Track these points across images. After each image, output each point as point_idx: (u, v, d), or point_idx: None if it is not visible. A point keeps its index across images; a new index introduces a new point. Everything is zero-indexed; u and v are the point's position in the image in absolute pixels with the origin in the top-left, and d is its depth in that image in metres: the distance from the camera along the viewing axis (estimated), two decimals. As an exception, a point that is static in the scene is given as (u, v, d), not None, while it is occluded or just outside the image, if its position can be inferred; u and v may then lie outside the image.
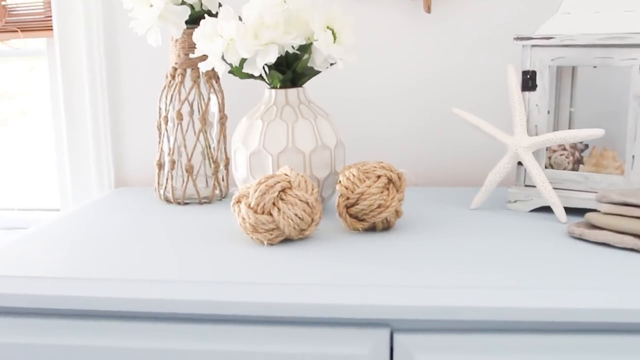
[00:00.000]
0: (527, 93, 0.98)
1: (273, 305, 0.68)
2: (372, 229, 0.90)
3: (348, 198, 0.87)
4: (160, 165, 1.10)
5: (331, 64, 0.96)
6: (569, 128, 1.07)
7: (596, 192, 0.93)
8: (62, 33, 1.24)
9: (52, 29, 1.27)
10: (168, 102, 1.07)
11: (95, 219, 1.01)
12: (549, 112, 0.98)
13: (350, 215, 0.88)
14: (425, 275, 0.73)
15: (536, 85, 0.97)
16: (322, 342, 0.69)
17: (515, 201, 1.00)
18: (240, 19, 0.91)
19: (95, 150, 1.26)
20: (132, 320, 0.72)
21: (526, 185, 1.00)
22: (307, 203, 0.83)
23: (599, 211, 0.85)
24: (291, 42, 0.90)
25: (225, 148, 1.11)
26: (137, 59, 1.26)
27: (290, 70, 0.94)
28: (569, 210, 0.94)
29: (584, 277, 0.71)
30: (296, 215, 0.82)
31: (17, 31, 1.30)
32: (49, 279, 0.75)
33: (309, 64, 0.94)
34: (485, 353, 0.67)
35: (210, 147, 1.09)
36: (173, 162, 1.08)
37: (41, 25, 1.31)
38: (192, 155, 1.07)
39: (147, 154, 1.27)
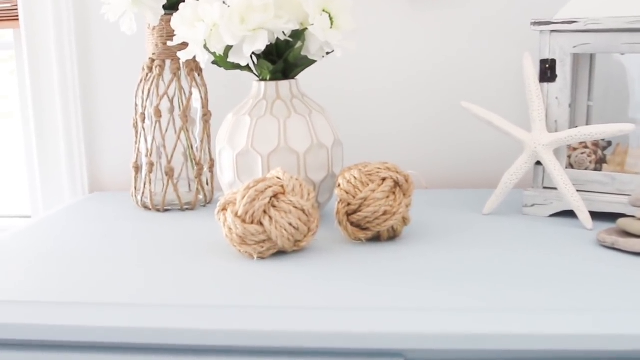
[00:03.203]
0: (545, 84, 0.89)
1: (264, 333, 0.58)
2: (377, 238, 0.80)
3: (349, 204, 0.77)
4: (137, 168, 0.99)
5: (328, 53, 0.85)
6: (587, 124, 0.97)
7: (625, 195, 0.84)
8: (28, 23, 1.13)
9: (17, 19, 1.16)
10: (145, 97, 0.96)
11: (61, 229, 0.90)
12: (570, 106, 0.89)
13: (352, 224, 0.78)
14: (441, 296, 0.62)
15: (556, 76, 0.88)
16: (323, 376, 0.58)
17: (532, 205, 0.90)
18: (224, 1, 0.81)
19: (67, 151, 1.15)
20: (88, 351, 0.61)
21: (545, 188, 0.91)
22: (303, 210, 0.73)
23: (633, 216, 0.76)
24: (282, 28, 0.80)
25: (209, 148, 1.00)
26: (112, 51, 1.15)
27: (282, 59, 0.84)
28: (593, 215, 0.85)
29: (627, 294, 0.61)
30: (290, 224, 0.72)
31: (-20, 22, 1.19)
32: None
33: (303, 53, 0.84)
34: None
35: (192, 148, 0.98)
36: (151, 165, 0.97)
37: (7, 16, 1.19)
38: (172, 156, 0.96)
39: (125, 155, 1.16)
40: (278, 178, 0.75)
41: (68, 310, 0.62)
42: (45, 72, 1.14)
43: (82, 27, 1.14)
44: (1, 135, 1.39)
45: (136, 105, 0.98)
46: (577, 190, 0.86)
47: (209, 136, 1.00)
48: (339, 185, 0.78)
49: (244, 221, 0.72)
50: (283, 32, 0.81)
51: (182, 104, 0.96)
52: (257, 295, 0.64)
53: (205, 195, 1.00)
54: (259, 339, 0.58)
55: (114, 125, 1.17)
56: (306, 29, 0.82)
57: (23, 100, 1.23)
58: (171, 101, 0.97)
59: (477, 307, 0.60)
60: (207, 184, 1.01)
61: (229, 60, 0.81)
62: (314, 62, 0.87)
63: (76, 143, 1.16)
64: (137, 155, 0.99)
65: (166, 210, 0.98)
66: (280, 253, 0.75)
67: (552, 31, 0.87)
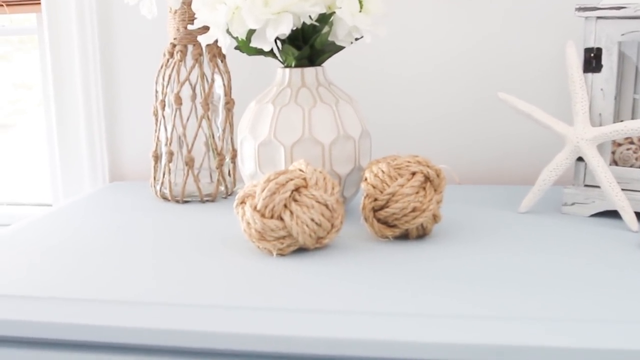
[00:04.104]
0: (590, 75, 0.83)
1: (277, 339, 0.53)
2: (405, 236, 0.75)
3: (376, 199, 0.72)
4: (157, 158, 0.96)
5: (356, 39, 0.80)
6: (633, 118, 0.91)
7: (676, 195, 0.78)
8: (50, 8, 1.10)
9: (40, 3, 1.13)
10: (165, 84, 0.92)
11: (77, 219, 0.86)
12: (615, 98, 0.83)
13: (379, 221, 0.73)
14: (473, 304, 0.57)
15: (601, 66, 0.82)
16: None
17: (572, 204, 0.84)
18: (248, -17, 0.76)
19: (88, 139, 1.12)
20: (88, 350, 0.57)
21: (586, 185, 0.85)
22: (326, 205, 0.68)
23: (684, 219, 0.70)
24: (309, 11, 0.75)
25: (231, 138, 0.96)
26: (135, 36, 1.11)
27: (308, 45, 0.80)
28: (639, 216, 0.79)
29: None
30: (312, 220, 0.67)
31: (2, 5, 1.17)
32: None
33: (330, 38, 0.80)
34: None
35: (214, 137, 0.94)
36: (171, 154, 0.93)
37: (29, 0, 1.17)
38: (192, 145, 0.92)
39: (146, 144, 1.13)
40: (300, 170, 0.70)
41: (69, 308, 0.58)
42: (66, 59, 1.11)
43: (104, 12, 1.11)
44: (23, 123, 1.37)
45: (156, 92, 0.94)
46: (622, 189, 0.81)
47: (231, 125, 0.96)
48: (366, 179, 0.74)
49: (263, 215, 0.67)
50: (309, 16, 0.77)
51: (204, 91, 0.92)
52: (272, 297, 0.59)
53: (226, 187, 0.96)
54: (272, 344, 0.53)
55: (136, 113, 1.14)
56: (334, 12, 0.77)
57: (45, 86, 1.21)
58: (193, 88, 0.93)
59: (512, 316, 0.54)
60: (229, 175, 0.97)
61: (251, 45, 0.77)
62: (341, 48, 0.82)
63: (97, 131, 1.13)
64: (157, 144, 0.95)
65: (186, 202, 0.94)
66: (301, 250, 0.71)
67: (598, 17, 0.81)
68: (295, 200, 0.68)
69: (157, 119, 0.95)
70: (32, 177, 1.36)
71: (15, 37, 1.33)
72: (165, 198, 0.95)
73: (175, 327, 0.55)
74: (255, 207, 0.68)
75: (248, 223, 0.69)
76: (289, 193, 0.67)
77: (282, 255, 0.69)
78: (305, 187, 0.68)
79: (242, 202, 0.70)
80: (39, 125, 1.33)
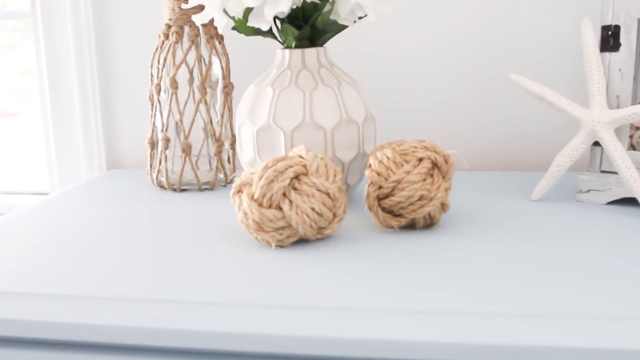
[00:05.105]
0: (607, 54, 0.79)
1: (273, 338, 0.50)
2: (411, 226, 0.71)
3: (381, 187, 0.68)
4: (153, 144, 0.92)
5: (360, 17, 0.76)
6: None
7: (698, 181, 0.73)
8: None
9: (32, -16, 1.09)
10: (161, 67, 0.88)
11: (71, 209, 0.83)
12: (635, 79, 0.78)
13: (384, 210, 0.69)
14: (485, 299, 0.54)
15: (619, 45, 0.78)
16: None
17: (588, 191, 0.80)
18: (244, -42, 0.72)
19: (84, 126, 1.09)
20: (77, 350, 0.54)
21: (603, 171, 0.81)
22: (328, 194, 0.64)
23: None
24: (309, -12, 0.71)
25: (230, 123, 0.92)
26: (132, 19, 1.07)
27: (308, 24, 0.76)
28: (659, 204, 0.75)
29: None
30: (313, 209, 0.64)
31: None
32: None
33: (332, 17, 0.75)
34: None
35: (212, 122, 0.90)
36: (167, 141, 0.89)
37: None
38: (189, 131, 0.88)
39: (144, 130, 1.09)
40: (300, 157, 0.66)
41: (57, 304, 0.55)
42: (60, 43, 1.07)
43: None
44: (13, 113, 1.34)
45: (152, 75, 0.90)
46: (641, 175, 0.76)
47: (230, 110, 0.92)
48: (370, 166, 0.70)
49: (260, 205, 0.63)
50: (309, -7, 0.72)
51: (202, 75, 0.88)
52: (270, 292, 0.56)
53: (225, 174, 0.92)
54: (269, 344, 0.50)
55: (133, 98, 1.10)
56: (335, -11, 0.73)
57: (40, 72, 1.17)
58: (190, 72, 0.89)
59: (525, 313, 0.51)
60: (229, 162, 0.93)
61: (248, 24, 0.73)
62: (344, 27, 0.78)
63: (93, 117, 1.09)
64: (153, 131, 0.92)
65: (183, 190, 0.91)
66: (302, 241, 0.67)
67: (617, -7, 0.76)
68: (295, 189, 0.64)
69: (152, 104, 0.91)
70: (31, 165, 1.33)
71: (23, 24, 1.29)
72: (162, 186, 0.92)
73: (168, 326, 0.51)
74: (253, 196, 0.64)
75: (245, 213, 0.65)
76: (288, 181, 0.63)
77: (281, 246, 0.66)
78: (306, 174, 0.65)
79: (239, 191, 0.66)
80: (27, 112, 1.30)
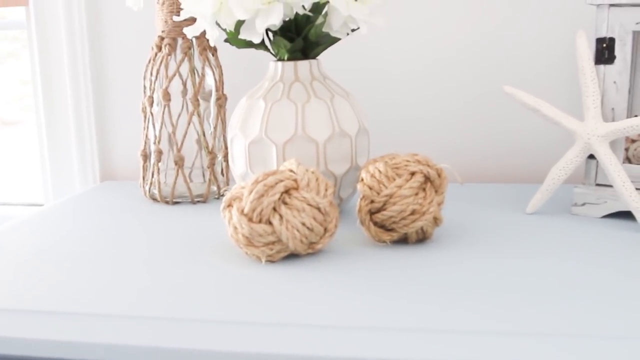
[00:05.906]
0: (602, 67, 0.78)
1: (270, 357, 0.49)
2: (404, 240, 0.70)
3: (372, 201, 0.67)
4: (146, 157, 0.91)
5: (353, 30, 0.76)
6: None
7: (694, 195, 0.73)
8: (37, 1, 1.06)
9: (27, -4, 1.09)
10: (153, 79, 0.88)
11: (63, 222, 0.82)
12: (629, 92, 0.78)
13: (375, 224, 0.69)
14: (478, 315, 0.53)
15: (614, 57, 0.77)
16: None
17: (583, 204, 0.80)
18: (236, -30, 0.72)
19: (78, 138, 1.08)
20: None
21: (598, 185, 0.80)
22: (319, 208, 0.64)
23: None
24: (301, 0, 0.70)
25: (224, 135, 0.92)
26: (126, 31, 1.07)
27: (301, 37, 0.75)
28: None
29: None
30: (304, 224, 0.63)
31: (-11, -2, 1.12)
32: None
33: (324, 29, 0.75)
34: None
35: (205, 134, 0.90)
36: (160, 153, 0.89)
37: (16, -8, 1.12)
38: (182, 144, 0.88)
39: (138, 143, 1.08)
40: (291, 171, 0.66)
41: (42, 321, 0.54)
42: (55, 54, 1.07)
43: (93, 6, 1.06)
44: (14, 121, 1.34)
45: (144, 87, 0.90)
46: (636, 189, 0.76)
47: (223, 122, 0.91)
48: (362, 180, 0.69)
49: (250, 220, 0.63)
50: (302, 5, 0.72)
51: (195, 87, 0.87)
52: (260, 309, 0.55)
53: (218, 187, 0.91)
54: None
55: (127, 110, 1.10)
56: (328, 1, 0.72)
57: (34, 83, 1.17)
58: (184, 84, 0.89)
59: (521, 328, 0.50)
60: (222, 174, 0.93)
61: (240, 36, 0.72)
62: (337, 40, 0.78)
63: (87, 129, 1.09)
64: (146, 143, 0.91)
65: (176, 203, 0.90)
66: (293, 256, 0.66)
67: (611, 5, 0.76)
68: (285, 203, 0.63)
69: (145, 116, 0.90)
70: (26, 176, 1.32)
71: (24, 34, 1.29)
72: (154, 199, 0.91)
73: (156, 344, 0.50)
74: (243, 211, 0.63)
75: (235, 228, 0.64)
76: (278, 195, 0.62)
77: (271, 261, 0.65)
78: (296, 188, 0.64)
79: (229, 205, 0.66)
80: (21, 124, 1.30)
